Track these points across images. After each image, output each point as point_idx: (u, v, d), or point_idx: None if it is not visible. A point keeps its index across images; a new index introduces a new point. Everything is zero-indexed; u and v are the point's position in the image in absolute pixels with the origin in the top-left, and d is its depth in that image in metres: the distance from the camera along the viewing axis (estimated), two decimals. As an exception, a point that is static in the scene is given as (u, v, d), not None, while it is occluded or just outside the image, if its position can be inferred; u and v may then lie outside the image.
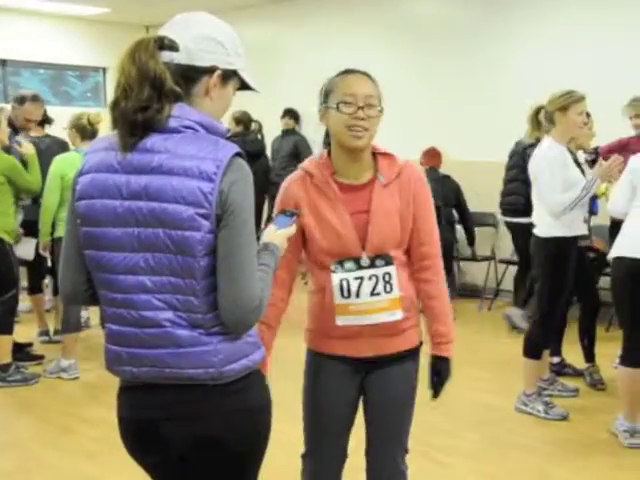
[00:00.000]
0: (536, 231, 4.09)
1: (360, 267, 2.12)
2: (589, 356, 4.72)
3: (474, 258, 7.08)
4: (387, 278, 2.12)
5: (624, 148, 4.90)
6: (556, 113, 3.96)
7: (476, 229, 7.29)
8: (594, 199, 4.31)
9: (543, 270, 4.08)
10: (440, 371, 2.25)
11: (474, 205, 7.09)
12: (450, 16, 7.51)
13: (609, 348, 4.95)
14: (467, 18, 7.35)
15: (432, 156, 6.91)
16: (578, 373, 4.75)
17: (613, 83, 5.90)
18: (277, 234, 1.84)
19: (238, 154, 1.62)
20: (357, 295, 2.13)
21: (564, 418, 4.05)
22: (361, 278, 2.12)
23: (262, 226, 7.57)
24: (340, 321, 2.17)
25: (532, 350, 4.10)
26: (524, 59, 6.86)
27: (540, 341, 4.13)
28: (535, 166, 3.98)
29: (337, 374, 2.24)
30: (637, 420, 3.70)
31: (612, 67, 6.19)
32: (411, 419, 2.31)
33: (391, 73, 7.71)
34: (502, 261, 6.88)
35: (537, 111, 4.08)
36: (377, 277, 2.12)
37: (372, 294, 2.12)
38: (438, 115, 7.34)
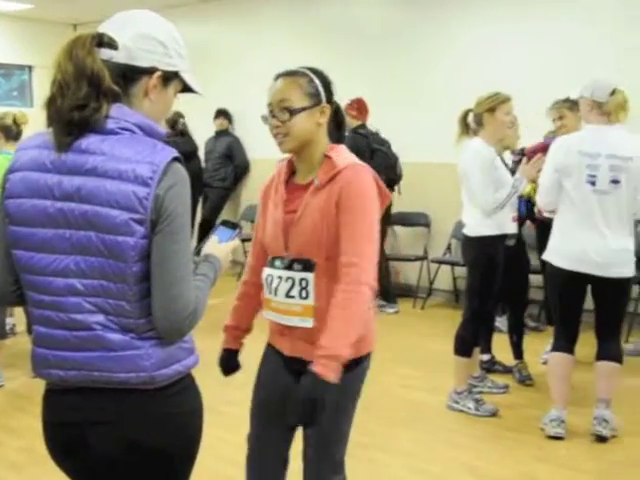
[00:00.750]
0: (465, 230, 4.17)
1: (282, 267, 2.12)
2: (518, 353, 4.82)
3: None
4: (304, 284, 2.07)
5: (548, 148, 5.02)
6: (484, 115, 4.05)
7: (409, 229, 7.40)
8: (519, 199, 4.41)
9: (473, 269, 4.16)
10: (303, 386, 1.93)
11: (407, 205, 7.17)
12: (385, 17, 7.57)
13: (537, 344, 5.08)
14: (402, 19, 7.42)
15: (359, 107, 6.61)
16: (508, 370, 4.84)
17: (538, 86, 6.05)
18: (220, 247, 1.83)
19: (176, 159, 1.60)
20: (275, 293, 2.13)
21: (494, 414, 4.12)
22: (280, 278, 2.12)
23: (196, 228, 7.51)
24: (265, 315, 2.21)
25: (463, 348, 4.17)
26: (454, 62, 6.98)
27: (470, 339, 4.19)
28: (465, 166, 4.05)
29: (275, 363, 2.26)
30: (564, 409, 3.81)
31: (537, 70, 6.35)
32: (345, 431, 2.20)
33: (328, 73, 7.75)
34: (434, 261, 6.98)
35: (465, 114, 4.16)
36: (294, 280, 2.08)
37: (287, 296, 2.10)
38: (371, 116, 7.39)
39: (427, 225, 7.18)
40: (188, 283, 1.60)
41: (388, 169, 6.51)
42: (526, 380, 4.70)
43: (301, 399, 1.91)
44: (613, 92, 3.64)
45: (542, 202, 3.91)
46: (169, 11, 8.49)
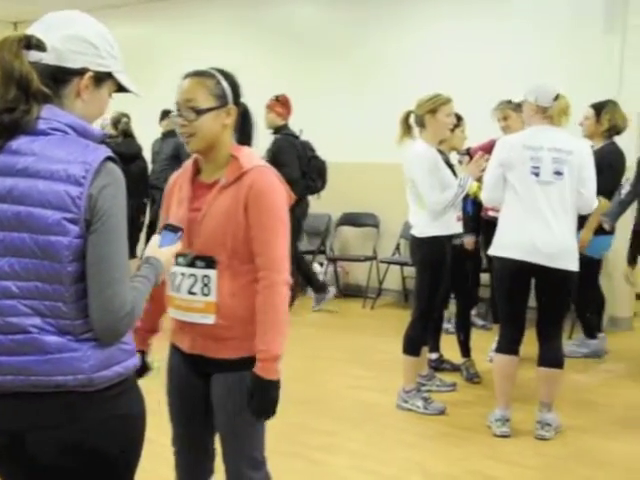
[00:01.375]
0: (413, 232, 4.19)
1: (185, 264, 2.12)
2: (465, 351, 4.87)
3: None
4: (206, 281, 2.10)
5: (493, 148, 5.09)
6: (426, 116, 4.08)
7: (358, 230, 7.43)
8: (466, 198, 4.46)
9: (421, 269, 4.19)
10: (255, 391, 2.08)
11: (356, 206, 7.20)
12: (326, 18, 7.60)
13: (485, 342, 5.14)
14: (344, 20, 7.46)
15: (285, 104, 6.41)
16: (455, 368, 4.89)
17: (483, 86, 6.13)
18: (162, 251, 1.84)
19: (109, 158, 1.59)
20: (178, 290, 2.14)
21: (442, 412, 4.15)
22: (183, 274, 2.13)
23: (144, 230, 7.40)
24: (169, 312, 2.22)
25: (411, 347, 4.19)
26: (400, 62, 7.03)
27: (419, 338, 4.22)
28: (410, 169, 4.08)
29: (177, 363, 2.25)
30: (509, 408, 3.85)
31: (482, 71, 6.43)
32: (253, 429, 2.21)
33: (269, 74, 7.75)
34: (383, 261, 7.01)
35: (407, 115, 4.18)
36: (196, 277, 2.11)
37: (189, 292, 2.13)
38: (316, 117, 7.41)
39: (376, 225, 7.21)
40: (124, 283, 1.59)
41: (323, 175, 6.54)
42: (473, 378, 4.75)
43: (258, 401, 2.09)
44: (556, 97, 3.72)
45: (487, 198, 3.97)
46: (109, 11, 8.38)
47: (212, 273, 2.09)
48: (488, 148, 4.45)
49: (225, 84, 2.12)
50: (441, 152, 4.52)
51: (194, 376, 2.23)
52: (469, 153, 4.92)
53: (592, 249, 4.79)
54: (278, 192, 2.12)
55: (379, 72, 7.16)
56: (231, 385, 2.15)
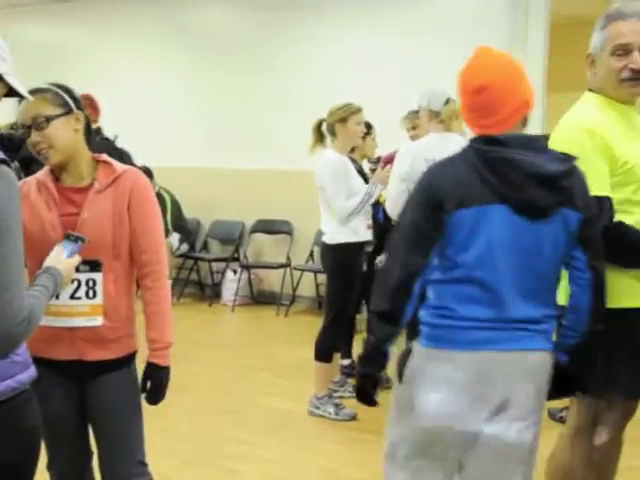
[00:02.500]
0: (324, 238, 4.23)
1: None
2: (377, 356, 4.92)
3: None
4: (91, 284, 2.14)
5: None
6: (336, 124, 4.14)
7: (272, 237, 7.43)
8: (377, 206, 4.53)
9: (332, 276, 4.22)
10: (151, 378, 2.23)
11: (270, 213, 7.21)
12: (243, 26, 7.59)
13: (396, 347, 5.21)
14: (262, 29, 7.46)
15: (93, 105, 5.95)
16: (367, 373, 4.93)
17: (394, 97, 6.23)
18: (62, 261, 1.83)
19: (1, 161, 1.55)
20: (57, 297, 2.08)
21: (353, 418, 4.19)
22: None
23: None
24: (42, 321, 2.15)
25: (322, 353, 4.22)
26: (314, 71, 7.08)
27: (330, 345, 4.25)
28: (320, 176, 4.13)
29: (46, 377, 2.14)
30: None
31: (393, 81, 6.55)
32: (137, 430, 2.27)
33: (177, 79, 7.69)
34: (297, 268, 7.03)
35: (319, 124, 4.23)
36: (80, 282, 2.12)
37: (72, 297, 2.12)
38: (229, 123, 7.42)
39: (290, 233, 7.23)
40: (20, 288, 1.55)
41: None
42: (384, 383, 4.79)
43: (154, 387, 2.21)
44: (447, 101, 3.82)
45: (391, 211, 4.01)
46: (18, 10, 8.13)
47: (97, 276, 2.14)
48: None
49: (63, 93, 2.16)
50: (353, 160, 4.59)
51: (70, 384, 2.21)
52: (380, 162, 5.00)
53: None
54: (152, 192, 2.25)
55: (292, 80, 7.19)
56: (118, 385, 2.19)
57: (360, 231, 4.19)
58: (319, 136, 4.24)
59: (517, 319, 1.91)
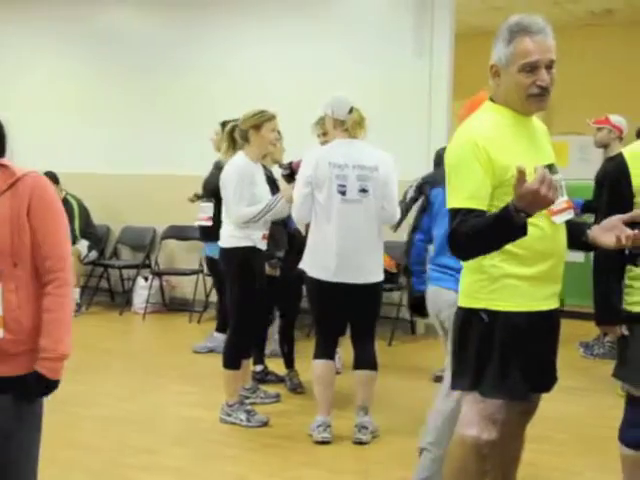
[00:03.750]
0: (220, 243, 4.22)
1: None
2: (289, 362, 4.96)
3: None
4: None
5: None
6: (250, 131, 4.13)
7: (184, 243, 7.34)
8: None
9: (231, 281, 4.21)
10: (35, 391, 2.08)
11: (182, 219, 7.12)
12: (147, 30, 7.50)
13: (309, 352, 5.24)
14: (165, 33, 7.39)
15: None
16: (280, 379, 4.95)
17: (304, 103, 6.28)
18: None
19: None
20: None
21: (265, 424, 4.18)
22: None
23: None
24: None
25: (230, 361, 4.20)
26: (221, 77, 7.06)
27: (237, 351, 4.23)
28: (225, 177, 4.13)
29: None
30: (329, 414, 3.95)
31: (303, 88, 6.60)
32: (27, 455, 2.12)
33: (83, 80, 7.52)
34: (208, 274, 6.96)
35: (232, 130, 4.22)
36: None
37: None
38: (134, 128, 7.32)
39: (202, 238, 7.14)
40: None
41: None
42: (297, 388, 4.83)
43: (31, 393, 2.07)
44: (351, 110, 3.89)
45: (297, 217, 4.07)
46: None
47: None
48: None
49: None
50: (264, 166, 4.59)
51: None
52: (291, 167, 5.02)
53: None
54: (55, 196, 2.17)
55: (202, 84, 7.15)
56: (19, 406, 2.06)
57: (255, 239, 4.16)
58: (232, 142, 4.22)
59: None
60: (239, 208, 4.05)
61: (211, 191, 5.24)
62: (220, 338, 5.62)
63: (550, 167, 2.36)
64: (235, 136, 4.23)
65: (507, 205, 2.11)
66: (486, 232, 2.20)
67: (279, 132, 4.82)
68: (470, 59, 6.09)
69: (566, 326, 6.11)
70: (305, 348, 5.42)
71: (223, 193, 4.15)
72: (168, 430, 4.15)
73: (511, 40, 2.29)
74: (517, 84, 2.30)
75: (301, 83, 6.63)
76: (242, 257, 4.12)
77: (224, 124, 4.21)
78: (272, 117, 4.18)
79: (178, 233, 7.31)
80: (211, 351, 5.68)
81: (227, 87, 6.96)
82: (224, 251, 4.18)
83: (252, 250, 4.14)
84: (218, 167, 5.27)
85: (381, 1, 6.63)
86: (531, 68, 2.28)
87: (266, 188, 4.23)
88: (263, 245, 4.25)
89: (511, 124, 2.37)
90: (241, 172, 4.08)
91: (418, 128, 6.29)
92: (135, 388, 4.89)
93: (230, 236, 4.13)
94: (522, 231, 2.12)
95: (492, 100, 2.44)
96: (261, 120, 4.14)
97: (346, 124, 3.88)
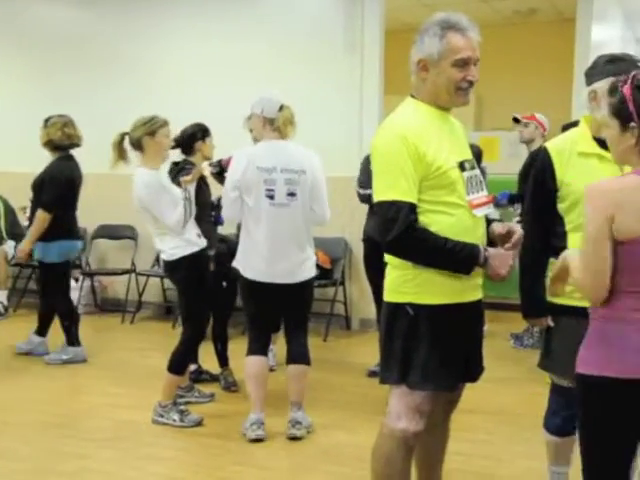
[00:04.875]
0: (164, 256, 4.16)
1: None
2: (223, 360, 4.92)
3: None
4: None
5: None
6: (144, 138, 4.04)
7: (116, 242, 7.22)
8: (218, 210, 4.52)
9: (183, 290, 4.18)
10: None
11: (113, 218, 7.00)
12: (66, 26, 7.33)
13: (244, 350, 5.21)
14: (86, 29, 7.25)
15: None
16: (215, 378, 4.91)
17: (235, 101, 6.24)
18: None
19: None
20: None
21: (199, 424, 4.14)
22: None
23: None
24: None
25: (179, 367, 4.13)
26: (148, 74, 6.95)
27: (187, 358, 4.21)
28: (141, 198, 4.02)
29: None
30: (263, 412, 3.94)
31: (233, 86, 6.55)
32: None
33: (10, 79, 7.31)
34: (142, 274, 6.87)
35: (121, 139, 4.10)
36: None
37: None
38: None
39: (134, 237, 7.05)
40: None
41: None
42: (231, 387, 4.80)
43: None
44: (281, 108, 3.89)
45: (226, 217, 4.06)
46: None
47: None
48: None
49: None
50: (191, 163, 4.55)
51: None
52: (221, 165, 4.98)
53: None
54: None
55: (127, 81, 7.03)
56: None
57: (194, 240, 4.14)
58: (121, 152, 4.09)
59: None
60: (171, 215, 4.00)
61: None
62: (36, 341, 5.58)
63: (468, 162, 2.42)
64: (124, 146, 4.12)
65: (480, 250, 2.34)
66: (443, 254, 2.34)
67: (209, 130, 4.79)
68: (401, 55, 6.12)
69: (497, 318, 6.27)
70: (240, 346, 5.40)
71: (151, 213, 4.04)
72: (99, 433, 4.06)
73: (443, 36, 2.36)
74: (448, 78, 2.37)
75: (232, 81, 6.58)
76: (191, 265, 4.08)
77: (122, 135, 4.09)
78: (165, 123, 4.12)
79: (109, 232, 7.19)
80: (28, 354, 5.54)
81: (154, 82, 6.86)
82: (172, 264, 4.10)
83: (199, 254, 4.13)
84: None
85: (312, -2, 6.64)
86: (463, 63, 2.37)
87: (176, 189, 4.15)
88: (203, 242, 4.22)
89: (433, 119, 2.42)
90: (151, 186, 4.01)
91: (349, 124, 6.32)
92: (65, 391, 4.78)
93: (174, 247, 4.06)
94: (469, 272, 2.36)
95: (413, 96, 2.47)
96: (155, 127, 4.06)
97: (276, 122, 3.86)
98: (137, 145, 4.07)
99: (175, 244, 4.07)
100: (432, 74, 2.39)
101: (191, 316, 4.17)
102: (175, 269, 4.13)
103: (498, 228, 2.51)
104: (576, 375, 2.10)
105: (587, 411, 2.08)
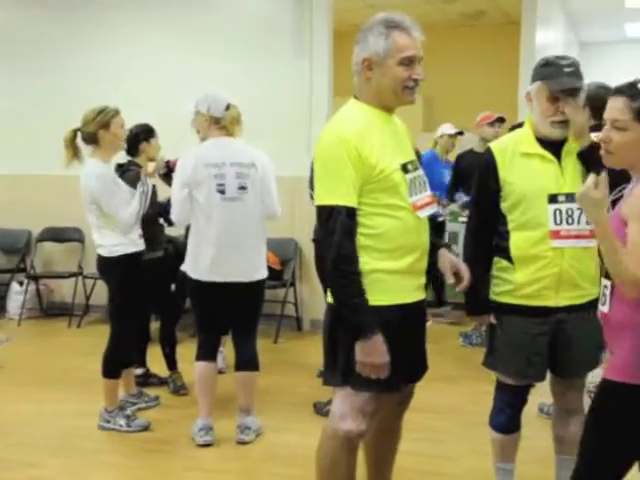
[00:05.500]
0: (101, 252, 4.06)
1: None
2: (171, 363, 4.86)
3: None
4: None
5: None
6: (99, 132, 3.94)
7: (62, 245, 7.08)
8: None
9: (117, 289, 4.10)
10: None
11: (59, 220, 6.87)
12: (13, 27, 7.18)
13: (193, 353, 5.16)
14: (34, 31, 7.10)
15: None
16: (163, 382, 4.85)
17: (180, 104, 6.19)
18: None
19: None
20: None
21: (146, 428, 4.08)
22: None
23: None
24: None
25: (111, 371, 4.07)
26: (96, 77, 6.83)
27: (119, 361, 4.14)
28: (91, 192, 3.93)
29: None
30: (210, 417, 3.90)
31: (181, 86, 6.46)
32: None
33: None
34: (89, 276, 6.74)
35: (74, 135, 3.98)
36: None
37: None
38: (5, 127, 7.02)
39: (81, 240, 6.91)
40: None
41: None
42: (180, 390, 4.75)
43: None
44: (228, 107, 3.86)
45: (176, 219, 3.93)
46: None
47: None
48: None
49: None
50: (137, 165, 4.49)
51: None
52: (168, 165, 4.92)
53: None
54: None
55: (74, 83, 6.88)
56: None
57: (137, 241, 4.10)
58: (75, 150, 3.97)
59: None
60: (125, 212, 3.93)
61: None
62: None
63: (411, 163, 2.43)
64: (77, 143, 3.99)
65: (368, 330, 2.30)
66: (346, 298, 2.34)
67: (154, 131, 4.73)
68: (350, 56, 6.17)
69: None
70: (189, 349, 5.34)
71: (100, 206, 3.94)
72: (44, 441, 3.98)
73: (389, 34, 2.35)
74: (394, 76, 2.36)
75: (180, 84, 6.49)
76: (127, 264, 4.01)
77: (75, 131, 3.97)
78: (117, 112, 4.01)
79: (55, 235, 7.03)
80: None
81: (100, 85, 6.74)
82: (110, 260, 4.01)
83: (137, 255, 4.07)
84: None
85: (259, 1, 6.60)
86: (409, 62, 2.36)
87: (125, 186, 4.09)
88: (142, 245, 4.16)
89: (376, 121, 2.42)
90: (106, 179, 3.94)
91: (299, 126, 6.30)
92: (7, 399, 4.66)
93: (116, 244, 3.98)
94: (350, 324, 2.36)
95: (356, 97, 2.47)
96: (109, 117, 3.94)
97: (223, 121, 3.82)
98: (91, 140, 3.95)
99: (118, 241, 3.99)
100: (377, 73, 2.38)
101: (120, 316, 4.08)
102: (113, 266, 4.04)
103: (450, 261, 2.53)
104: (605, 381, 2.06)
105: (612, 418, 2.01)
